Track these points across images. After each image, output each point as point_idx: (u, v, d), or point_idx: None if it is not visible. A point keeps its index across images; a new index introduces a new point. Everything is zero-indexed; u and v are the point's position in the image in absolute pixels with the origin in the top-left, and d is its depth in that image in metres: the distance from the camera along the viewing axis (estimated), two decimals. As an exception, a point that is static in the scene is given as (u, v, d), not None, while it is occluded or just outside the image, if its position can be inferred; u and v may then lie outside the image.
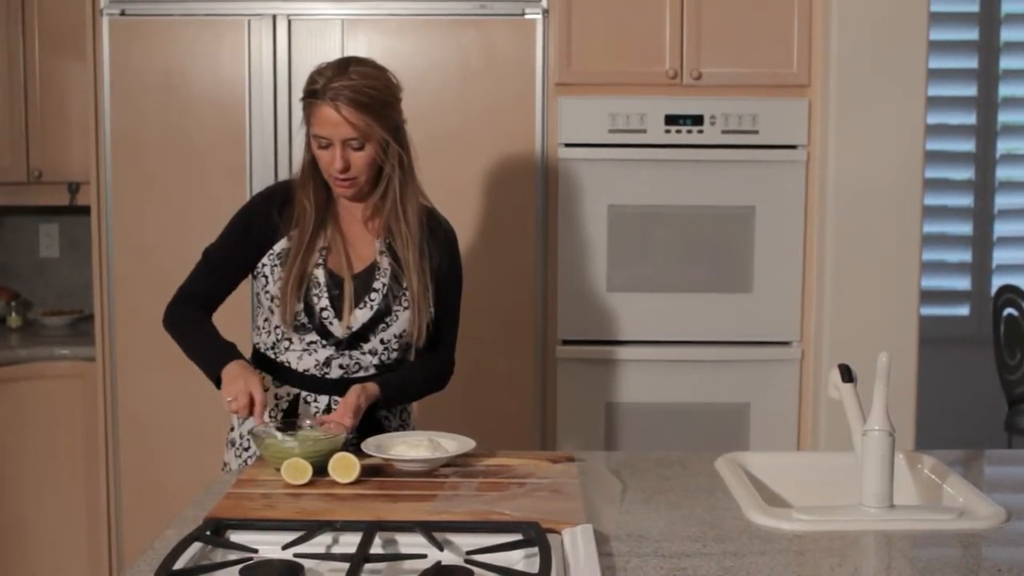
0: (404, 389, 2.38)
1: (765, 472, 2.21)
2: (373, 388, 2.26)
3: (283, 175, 3.31)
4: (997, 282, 4.91)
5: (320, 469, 2.03)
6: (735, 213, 3.36)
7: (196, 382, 3.32)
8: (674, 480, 2.13)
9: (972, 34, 4.97)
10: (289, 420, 2.26)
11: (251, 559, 1.63)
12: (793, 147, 3.35)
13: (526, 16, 3.32)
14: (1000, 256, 5.05)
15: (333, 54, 3.28)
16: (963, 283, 5.06)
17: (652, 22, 3.32)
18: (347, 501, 1.94)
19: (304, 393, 2.34)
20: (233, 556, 1.66)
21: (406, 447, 2.15)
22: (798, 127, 3.34)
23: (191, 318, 2.36)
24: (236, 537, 1.73)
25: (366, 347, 2.33)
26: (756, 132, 3.34)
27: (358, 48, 3.28)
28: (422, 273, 2.31)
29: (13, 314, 4.01)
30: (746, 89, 3.34)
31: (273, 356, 2.37)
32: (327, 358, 2.32)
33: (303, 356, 2.33)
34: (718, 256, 3.38)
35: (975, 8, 4.95)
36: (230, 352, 2.27)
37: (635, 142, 3.34)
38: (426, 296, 2.32)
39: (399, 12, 3.32)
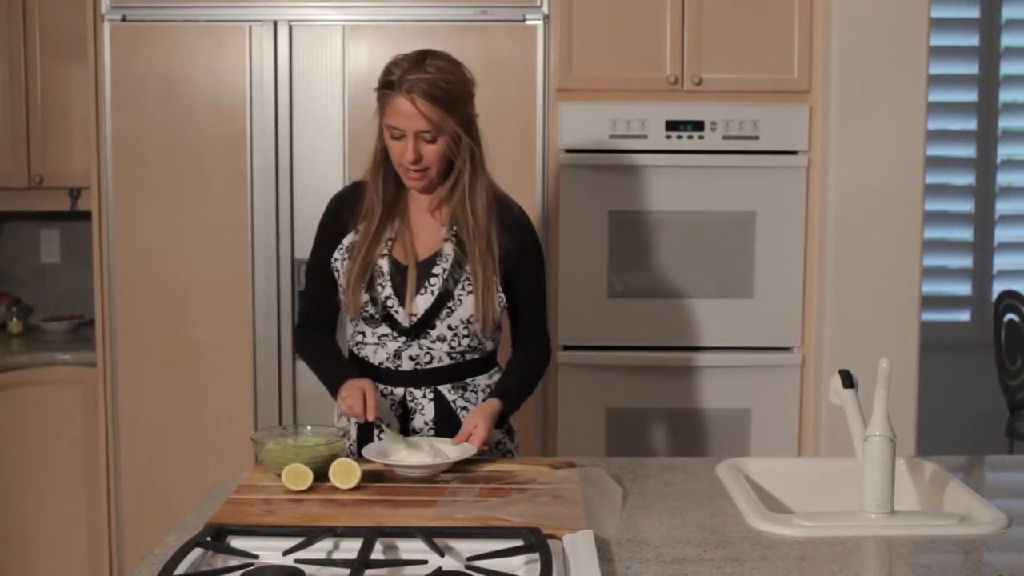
0: (521, 390, 2.40)
1: (766, 478, 2.21)
2: (493, 404, 2.28)
3: (284, 181, 3.32)
4: (998, 287, 4.91)
5: (321, 475, 2.04)
6: (736, 219, 3.36)
7: (196, 387, 3.36)
8: (675, 486, 2.13)
9: (973, 39, 4.96)
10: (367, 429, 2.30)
11: (252, 565, 1.63)
12: (794, 153, 3.35)
13: (527, 22, 3.32)
14: (1001, 261, 5.04)
15: (334, 60, 3.30)
16: (964, 288, 5.05)
17: (653, 28, 3.32)
18: (348, 507, 1.94)
19: (381, 386, 2.35)
20: (234, 562, 1.66)
21: (407, 453, 2.15)
22: (799, 133, 3.34)
23: (311, 344, 2.45)
24: (237, 543, 1.73)
25: (433, 334, 2.33)
26: (757, 138, 3.34)
27: (359, 54, 3.29)
28: (489, 261, 2.31)
29: (14, 319, 4.01)
30: (747, 95, 3.34)
31: (357, 352, 2.40)
32: (396, 350, 2.34)
33: (377, 350, 2.36)
34: (719, 262, 3.38)
35: (975, 14, 4.95)
36: (348, 372, 2.32)
37: (636, 148, 3.34)
38: (493, 282, 2.32)
39: (400, 18, 3.32)
